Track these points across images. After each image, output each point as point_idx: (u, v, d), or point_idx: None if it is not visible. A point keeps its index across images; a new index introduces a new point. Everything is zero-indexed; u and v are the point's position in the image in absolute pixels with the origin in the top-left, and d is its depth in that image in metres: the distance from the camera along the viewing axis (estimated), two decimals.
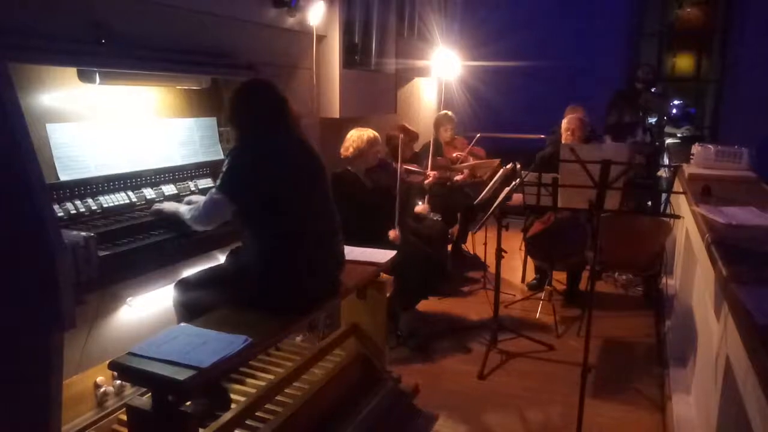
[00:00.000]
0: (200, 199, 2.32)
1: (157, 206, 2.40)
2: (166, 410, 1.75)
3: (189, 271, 2.45)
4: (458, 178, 4.68)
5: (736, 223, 2.34)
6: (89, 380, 2.31)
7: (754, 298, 1.52)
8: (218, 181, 2.21)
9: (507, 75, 6.85)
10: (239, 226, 2.32)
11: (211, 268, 2.42)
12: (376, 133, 3.55)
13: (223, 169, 2.21)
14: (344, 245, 2.53)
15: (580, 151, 2.53)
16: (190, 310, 2.29)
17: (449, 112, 5.20)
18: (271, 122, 2.30)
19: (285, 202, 2.24)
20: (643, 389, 3.12)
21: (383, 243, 3.12)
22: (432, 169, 4.42)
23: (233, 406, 2.28)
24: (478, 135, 5.02)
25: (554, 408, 2.96)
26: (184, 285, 2.33)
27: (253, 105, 2.31)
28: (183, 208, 2.32)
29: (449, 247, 5.02)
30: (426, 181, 4.17)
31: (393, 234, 3.52)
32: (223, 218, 2.27)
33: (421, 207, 4.22)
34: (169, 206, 2.40)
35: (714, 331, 2.18)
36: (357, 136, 3.48)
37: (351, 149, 3.47)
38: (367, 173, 3.57)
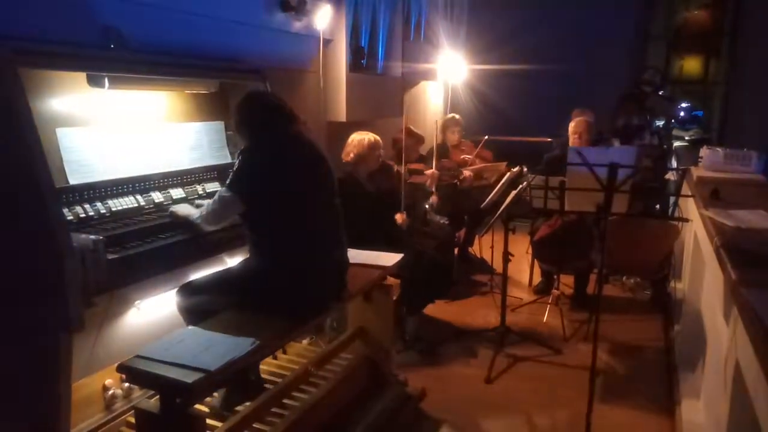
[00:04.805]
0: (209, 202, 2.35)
1: (172, 209, 2.44)
2: (175, 413, 1.75)
3: (197, 275, 2.46)
4: (466, 172, 4.65)
5: (745, 227, 2.32)
6: (98, 383, 2.32)
7: (764, 302, 1.51)
8: (228, 180, 2.23)
9: (514, 78, 6.84)
10: (245, 228, 2.34)
11: (218, 271, 2.44)
12: (377, 137, 3.52)
13: (234, 168, 2.23)
14: (348, 248, 2.54)
15: (587, 154, 2.53)
16: (194, 314, 2.28)
17: (456, 115, 5.19)
18: (277, 125, 2.33)
19: (293, 203, 2.26)
20: (651, 394, 3.10)
21: (386, 246, 3.12)
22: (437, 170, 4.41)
23: (239, 409, 2.29)
24: (486, 138, 5.01)
25: (562, 412, 2.95)
26: (187, 289, 2.33)
27: (256, 112, 2.35)
28: (195, 210, 2.36)
29: (456, 251, 5.02)
30: (427, 183, 4.15)
31: (400, 218, 3.53)
32: (231, 217, 2.29)
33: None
34: (182, 209, 2.43)
35: (723, 335, 2.17)
36: (358, 141, 3.47)
37: (352, 154, 3.46)
38: (369, 177, 3.56)
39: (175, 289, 2.36)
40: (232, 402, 2.37)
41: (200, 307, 2.28)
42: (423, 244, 3.74)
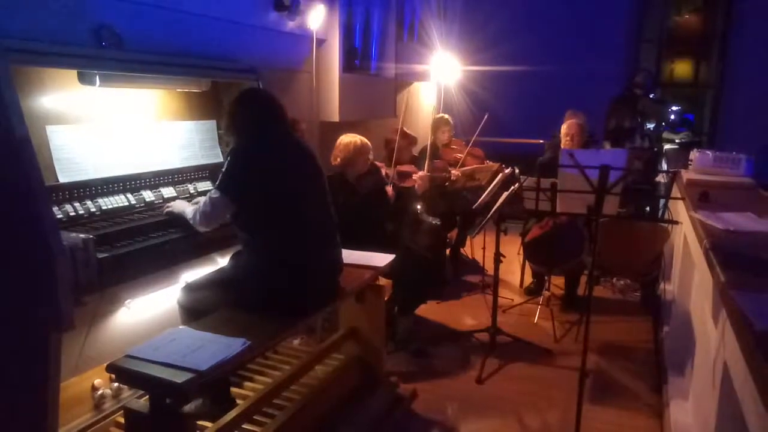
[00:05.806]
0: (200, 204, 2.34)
1: (168, 207, 2.44)
2: (164, 413, 1.74)
3: (187, 274, 2.46)
4: (454, 172, 4.64)
5: (734, 229, 2.34)
6: (87, 382, 2.30)
7: (752, 304, 1.52)
8: (217, 182, 2.23)
9: (506, 80, 6.87)
10: (237, 229, 2.33)
11: (214, 271, 2.43)
12: (365, 140, 3.49)
13: (223, 169, 2.23)
14: (341, 249, 2.54)
15: (579, 156, 2.54)
16: (191, 312, 2.30)
17: (446, 115, 5.19)
18: (267, 125, 2.33)
19: (283, 204, 2.25)
20: (640, 395, 3.12)
21: (376, 247, 3.13)
22: (428, 172, 4.41)
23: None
24: (475, 136, 5.01)
25: (552, 413, 2.96)
26: (188, 288, 2.35)
27: (250, 110, 2.35)
28: (189, 209, 2.36)
29: (448, 252, 5.02)
30: (416, 186, 4.14)
31: (389, 191, 3.59)
32: (223, 218, 2.29)
33: (418, 175, 4.09)
34: (177, 206, 2.43)
35: (712, 336, 2.19)
36: (344, 145, 3.45)
37: (339, 158, 3.44)
38: (357, 179, 3.56)
39: (169, 288, 2.35)
40: (206, 412, 2.33)
41: (197, 305, 2.29)
42: (414, 244, 3.74)
